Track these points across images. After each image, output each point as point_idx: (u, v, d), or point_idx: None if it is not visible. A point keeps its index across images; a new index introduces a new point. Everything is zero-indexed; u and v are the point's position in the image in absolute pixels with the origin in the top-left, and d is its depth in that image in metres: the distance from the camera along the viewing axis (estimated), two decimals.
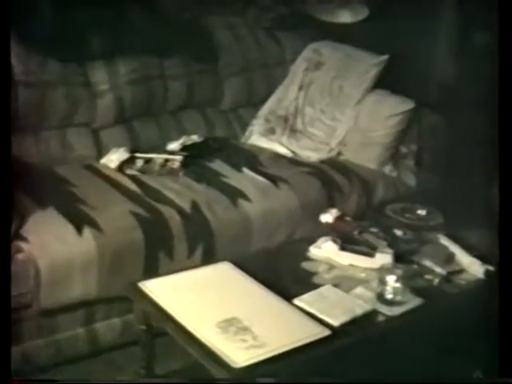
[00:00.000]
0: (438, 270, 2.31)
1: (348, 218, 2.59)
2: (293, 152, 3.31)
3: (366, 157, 3.23)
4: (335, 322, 1.96)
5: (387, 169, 3.24)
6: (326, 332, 1.91)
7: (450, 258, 2.38)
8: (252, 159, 3.15)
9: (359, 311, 2.04)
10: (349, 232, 2.50)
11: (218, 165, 3.05)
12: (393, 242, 2.45)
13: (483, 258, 2.36)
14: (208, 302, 2.05)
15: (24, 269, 2.30)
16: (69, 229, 2.40)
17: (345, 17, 3.58)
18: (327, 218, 2.58)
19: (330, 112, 3.37)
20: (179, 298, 2.07)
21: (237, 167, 3.03)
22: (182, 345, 1.93)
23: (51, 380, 2.34)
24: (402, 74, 3.39)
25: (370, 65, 3.35)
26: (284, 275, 2.32)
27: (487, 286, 2.30)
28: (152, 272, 2.47)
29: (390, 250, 2.33)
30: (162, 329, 2.06)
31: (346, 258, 2.34)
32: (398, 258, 2.32)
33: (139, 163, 2.97)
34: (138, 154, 3.01)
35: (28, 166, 2.80)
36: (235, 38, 3.52)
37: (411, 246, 2.46)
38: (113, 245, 2.43)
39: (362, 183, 3.11)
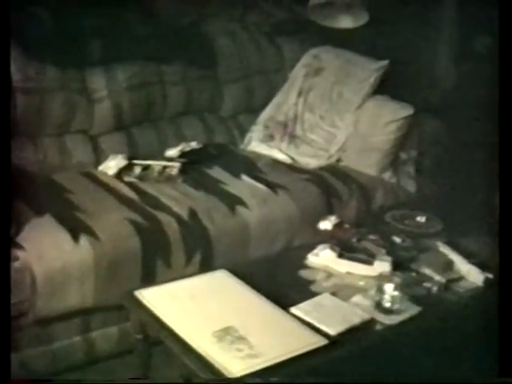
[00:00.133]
0: (437, 277, 2.29)
1: (347, 225, 2.58)
2: (292, 158, 3.29)
3: (366, 163, 3.21)
4: (332, 332, 1.94)
5: (387, 175, 3.22)
6: (323, 341, 1.89)
7: (449, 266, 2.36)
8: (251, 166, 3.14)
9: (357, 320, 2.02)
10: (347, 239, 2.49)
11: (216, 172, 3.04)
12: (392, 250, 2.44)
13: (482, 266, 2.34)
14: (204, 311, 2.03)
15: (20, 277, 2.28)
16: (65, 236, 2.39)
17: (345, 22, 3.56)
18: (326, 225, 2.56)
19: (330, 118, 3.36)
20: (175, 306, 2.05)
21: (235, 174, 3.01)
22: (178, 354, 1.91)
23: (51, 380, 2.33)
24: (402, 80, 3.37)
25: (369, 70, 3.33)
26: (282, 283, 2.30)
27: (486, 294, 2.28)
28: (149, 280, 2.45)
29: (389, 258, 2.32)
30: (158, 338, 2.04)
31: (344, 266, 2.32)
32: (397, 266, 2.31)
33: (137, 170, 2.95)
34: (136, 161, 3.00)
35: (25, 172, 2.78)
36: (235, 44, 3.52)
37: (410, 254, 2.44)
38: (109, 253, 2.41)
39: (361, 190, 3.09)
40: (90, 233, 2.43)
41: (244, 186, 2.92)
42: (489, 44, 3.59)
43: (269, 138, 3.42)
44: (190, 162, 3.05)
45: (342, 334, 1.95)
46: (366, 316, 2.05)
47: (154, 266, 2.51)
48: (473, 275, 2.32)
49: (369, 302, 2.12)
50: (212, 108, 3.47)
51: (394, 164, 3.24)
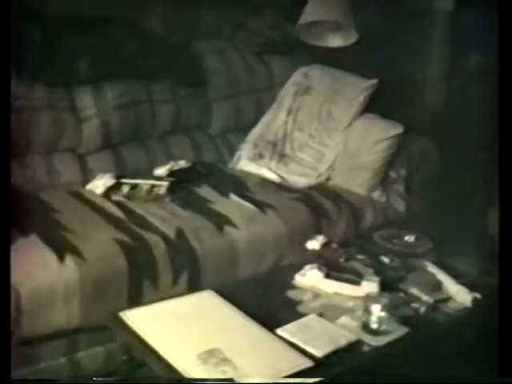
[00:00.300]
0: (425, 298, 2.28)
1: (334, 245, 2.57)
2: (281, 177, 3.28)
3: (355, 182, 3.20)
4: (318, 353, 1.92)
5: (376, 194, 3.22)
6: (309, 363, 1.87)
7: (437, 286, 2.35)
8: (239, 185, 3.13)
9: (343, 341, 2.00)
10: (335, 259, 2.48)
11: (204, 190, 3.02)
12: (380, 270, 2.43)
13: (471, 286, 2.33)
14: (189, 333, 2.01)
15: None
16: (51, 256, 2.37)
17: (334, 41, 3.57)
18: (313, 244, 2.56)
19: (319, 137, 3.35)
20: (160, 328, 2.03)
21: (224, 193, 3.00)
22: (162, 377, 1.89)
23: (51, 380, 2.30)
24: (391, 98, 3.38)
25: (359, 89, 3.34)
26: (269, 304, 2.29)
27: (475, 315, 2.27)
28: (136, 300, 2.43)
29: (376, 278, 2.30)
30: (143, 359, 2.02)
31: (332, 286, 2.30)
32: (385, 286, 2.29)
33: (125, 189, 2.94)
34: (124, 180, 2.98)
35: (13, 191, 2.76)
36: (224, 63, 3.52)
37: (398, 274, 2.43)
38: (95, 273, 2.39)
39: (350, 209, 3.08)
40: (76, 253, 2.41)
41: (232, 205, 2.90)
42: (479, 62, 3.60)
43: (258, 157, 3.41)
44: (179, 180, 3.04)
45: (328, 356, 1.93)
46: (353, 337, 2.03)
47: (141, 286, 2.48)
48: (461, 295, 2.31)
49: (356, 322, 2.10)
50: (201, 126, 3.47)
51: (384, 183, 3.24)
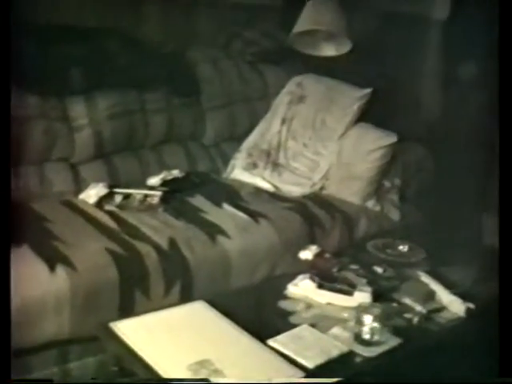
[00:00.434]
0: (418, 308, 2.26)
1: (327, 255, 2.55)
2: (275, 187, 3.28)
3: (349, 191, 3.19)
4: (309, 364, 1.91)
5: (370, 203, 3.20)
6: (299, 374, 1.85)
7: (430, 296, 2.34)
8: (233, 194, 3.12)
9: (335, 352, 1.99)
10: (328, 269, 2.46)
11: (198, 200, 3.01)
12: (373, 280, 2.41)
13: (464, 296, 2.32)
14: (180, 344, 2.00)
15: None
16: (42, 266, 2.35)
17: (328, 50, 3.58)
18: (306, 254, 2.54)
19: (313, 146, 3.35)
20: (151, 339, 2.01)
21: (217, 203, 2.99)
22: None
23: (51, 380, 2.28)
24: (385, 107, 3.38)
25: (353, 98, 3.33)
26: (261, 314, 2.28)
27: (468, 325, 2.25)
28: (127, 311, 2.41)
29: (369, 288, 2.29)
30: (133, 370, 2.00)
31: (324, 297, 2.29)
32: (378, 296, 2.28)
33: (118, 199, 2.93)
34: (116, 190, 2.97)
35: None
36: (218, 72, 3.52)
37: (391, 284, 2.42)
38: (87, 283, 2.37)
39: (344, 218, 3.07)
40: (67, 263, 2.39)
41: (225, 214, 2.89)
42: (473, 71, 3.60)
43: (252, 166, 3.40)
44: (172, 190, 3.02)
45: (319, 367, 1.91)
46: (345, 348, 2.01)
47: (133, 297, 2.46)
48: (454, 306, 2.30)
49: (348, 333, 2.09)
50: (194, 136, 3.47)
51: (378, 192, 3.23)
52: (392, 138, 3.16)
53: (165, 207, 2.90)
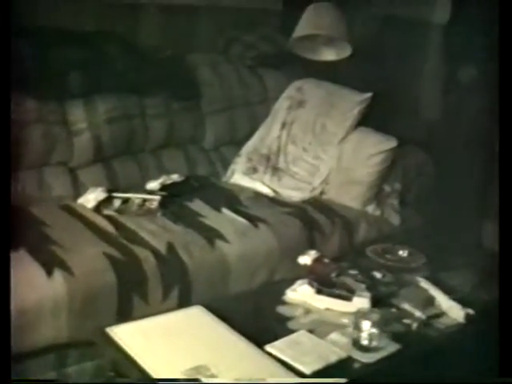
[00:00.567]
0: (418, 313, 2.25)
1: (326, 260, 2.54)
2: (275, 191, 3.26)
3: (349, 196, 3.18)
4: (307, 370, 1.89)
5: (370, 208, 3.19)
6: (297, 380, 1.84)
7: (429, 302, 2.32)
8: (232, 199, 3.11)
9: (333, 358, 1.97)
10: (327, 274, 2.45)
11: (197, 205, 3.00)
12: (372, 285, 2.40)
13: (464, 302, 2.30)
14: (177, 349, 1.98)
15: None
16: (39, 271, 2.34)
17: (328, 55, 3.57)
18: (305, 259, 2.53)
19: (313, 150, 3.34)
20: (147, 344, 2.00)
21: (216, 207, 2.98)
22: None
23: (51, 380, 2.27)
24: (386, 112, 3.37)
25: (353, 102, 3.32)
26: (259, 320, 2.26)
27: (467, 331, 2.24)
28: (125, 315, 2.40)
29: (368, 294, 2.27)
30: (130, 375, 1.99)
31: (323, 302, 2.27)
32: (377, 302, 2.26)
33: (117, 203, 2.92)
34: (115, 194, 2.96)
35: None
36: (217, 76, 3.51)
37: (390, 289, 2.40)
38: (84, 287, 2.36)
39: (344, 223, 3.06)
40: (65, 267, 2.38)
41: (224, 219, 2.88)
42: (474, 75, 3.59)
43: (252, 171, 3.39)
44: (171, 194, 3.02)
45: (317, 373, 1.90)
46: (343, 354, 2.00)
47: (131, 302, 2.46)
48: (454, 311, 2.28)
49: (346, 339, 2.07)
50: (194, 140, 3.46)
51: (378, 197, 3.22)
52: (392, 143, 3.15)
53: (163, 212, 2.89)
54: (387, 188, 3.24)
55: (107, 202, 2.91)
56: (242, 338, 2.04)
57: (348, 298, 2.27)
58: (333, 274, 2.45)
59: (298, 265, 2.55)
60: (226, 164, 3.47)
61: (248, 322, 2.18)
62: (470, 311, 2.27)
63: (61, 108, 3.03)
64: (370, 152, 3.15)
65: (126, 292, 2.44)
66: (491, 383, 1.94)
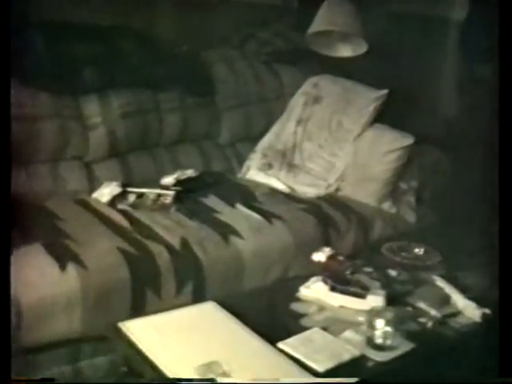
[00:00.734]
0: (433, 312, 2.22)
1: (341, 257, 2.52)
2: (290, 187, 3.25)
3: (365, 193, 3.16)
4: (320, 368, 1.88)
5: (386, 205, 3.17)
6: (310, 378, 1.82)
7: (445, 301, 2.29)
8: (247, 195, 3.09)
9: (347, 356, 1.95)
10: (341, 272, 2.43)
11: (211, 200, 2.99)
12: (386, 283, 2.38)
13: (480, 301, 2.27)
14: (189, 345, 1.97)
15: None
16: (53, 265, 2.34)
17: (344, 51, 3.55)
18: (319, 256, 2.51)
19: (329, 147, 3.31)
20: (160, 339, 1.99)
21: (231, 203, 2.96)
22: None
23: (51, 380, 2.28)
24: (402, 109, 3.34)
25: (369, 99, 3.30)
26: (273, 316, 2.25)
27: (483, 330, 2.21)
28: (139, 310, 2.40)
29: (383, 292, 2.25)
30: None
31: (336, 300, 2.25)
32: (392, 300, 2.24)
33: (131, 198, 2.92)
34: (130, 189, 2.96)
35: (17, 199, 2.75)
36: (233, 72, 3.50)
37: (406, 287, 2.38)
38: (97, 282, 2.36)
39: (359, 220, 3.03)
40: (78, 262, 2.38)
41: (239, 215, 2.87)
42: (491, 72, 3.55)
43: (267, 167, 3.38)
44: (185, 190, 3.01)
45: (330, 371, 1.88)
46: (357, 352, 1.98)
47: (144, 297, 2.45)
48: (470, 310, 2.25)
49: (360, 337, 2.05)
50: (209, 136, 3.45)
51: (394, 194, 3.19)
52: (408, 140, 3.13)
53: (178, 207, 2.88)
54: (403, 185, 3.21)
55: (122, 196, 2.92)
56: (255, 335, 2.02)
57: (362, 296, 2.25)
58: (347, 272, 2.43)
59: (313, 262, 2.53)
60: (241, 160, 3.46)
61: (261, 319, 2.17)
62: (487, 310, 2.24)
63: (76, 103, 3.04)
64: (385, 149, 3.13)
65: (139, 287, 2.44)
66: (491, 383, 1.92)
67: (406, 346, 2.03)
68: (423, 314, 2.23)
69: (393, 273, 2.47)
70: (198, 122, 3.38)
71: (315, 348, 1.97)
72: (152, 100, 3.22)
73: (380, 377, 1.96)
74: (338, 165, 3.26)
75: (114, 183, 2.97)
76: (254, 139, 3.51)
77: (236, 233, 2.72)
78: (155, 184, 3.07)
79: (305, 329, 2.10)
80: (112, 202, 2.88)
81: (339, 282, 2.34)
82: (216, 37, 3.55)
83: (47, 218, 2.71)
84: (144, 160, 3.22)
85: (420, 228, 3.13)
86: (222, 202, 2.98)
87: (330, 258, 2.49)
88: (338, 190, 3.24)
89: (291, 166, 3.37)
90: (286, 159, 3.40)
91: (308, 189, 3.24)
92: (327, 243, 2.78)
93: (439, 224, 3.21)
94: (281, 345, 1.97)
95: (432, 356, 2.09)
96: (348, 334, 2.08)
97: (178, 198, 2.93)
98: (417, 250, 2.67)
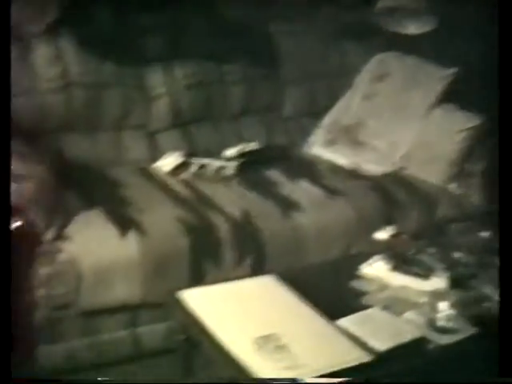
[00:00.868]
0: (497, 297, 2.16)
1: (404, 236, 2.46)
2: (354, 164, 3.19)
3: (431, 172, 3.09)
4: (380, 347, 1.84)
5: (452, 186, 3.09)
6: (368, 357, 1.79)
7: None
8: (310, 170, 3.06)
9: (407, 337, 1.91)
10: (404, 251, 2.37)
11: (274, 174, 2.97)
12: (451, 265, 2.31)
13: None
14: (247, 317, 1.96)
15: (66, 269, 2.27)
16: (113, 231, 2.36)
17: (412, 27, 3.44)
18: (383, 234, 2.46)
19: (394, 125, 3.24)
20: (218, 309, 1.99)
21: (293, 177, 2.93)
22: (217, 358, 1.85)
23: (51, 380, 2.31)
24: (471, 88, 3.24)
25: (437, 78, 3.22)
26: (332, 293, 2.20)
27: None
28: (197, 280, 2.41)
29: (447, 274, 2.19)
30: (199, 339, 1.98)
31: (398, 279, 2.20)
32: (455, 282, 2.18)
33: (193, 168, 2.91)
34: (192, 159, 2.95)
35: (80, 166, 2.79)
36: (298, 46, 3.44)
37: (470, 270, 2.31)
38: (157, 250, 2.38)
39: (424, 200, 2.97)
40: (139, 229, 2.39)
41: (301, 189, 2.84)
42: None
43: (331, 143, 3.33)
44: (248, 162, 2.99)
45: (389, 351, 1.84)
46: (417, 333, 1.93)
47: (203, 267, 2.46)
48: None
49: (422, 318, 2.00)
50: (273, 109, 3.41)
51: (460, 175, 3.11)
52: (477, 120, 3.04)
53: (240, 179, 2.87)
54: (470, 166, 3.13)
55: (184, 166, 2.91)
56: (314, 311, 1.99)
57: (425, 277, 2.19)
58: (410, 252, 2.37)
59: (375, 240, 2.49)
60: (305, 134, 3.41)
61: (321, 295, 2.13)
62: None
63: (140, 72, 3.04)
64: (453, 128, 3.05)
65: (198, 257, 2.44)
66: (491, 383, 1.86)
67: (468, 331, 1.97)
68: (487, 298, 2.17)
69: (457, 255, 2.40)
70: (261, 94, 3.35)
71: (375, 327, 1.93)
72: (216, 71, 3.20)
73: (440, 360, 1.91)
74: (404, 143, 3.19)
75: (177, 153, 2.97)
76: (318, 114, 3.45)
77: (298, 207, 2.69)
78: (217, 155, 3.06)
79: (365, 307, 2.06)
80: (174, 172, 2.88)
81: (402, 262, 2.28)
82: (282, 10, 3.48)
83: (109, 184, 2.73)
84: (207, 131, 3.21)
85: (487, 210, 3.05)
86: (284, 175, 2.95)
87: (393, 236, 2.44)
88: (403, 168, 3.17)
89: (356, 143, 3.31)
90: (351, 136, 3.34)
91: (372, 166, 3.18)
92: (390, 222, 2.71)
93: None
94: (341, 321, 1.94)
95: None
96: (409, 314, 2.03)
97: (240, 171, 2.92)
98: (483, 234, 2.59)
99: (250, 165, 2.99)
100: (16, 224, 2.16)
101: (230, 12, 3.29)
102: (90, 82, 2.89)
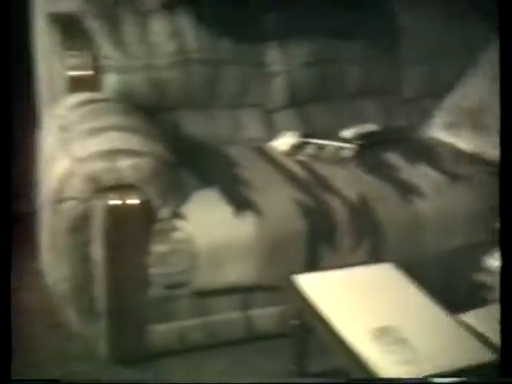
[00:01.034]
0: None
1: None
2: (477, 148, 3.04)
3: None
4: None
5: None
6: (492, 357, 1.68)
7: None
8: (431, 153, 2.93)
9: None
10: None
11: (392, 157, 2.86)
12: None
13: None
14: (364, 305, 1.90)
15: (181, 247, 2.27)
16: (229, 211, 2.34)
17: None
18: None
19: None
20: (333, 296, 1.94)
21: (413, 161, 2.82)
22: (330, 346, 1.80)
23: (51, 380, 2.30)
24: None
25: None
26: (454, 285, 2.10)
27: None
28: (312, 264, 2.36)
29: None
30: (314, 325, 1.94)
31: None
32: None
33: (310, 149, 2.86)
34: (309, 140, 2.90)
35: (195, 143, 2.79)
36: (419, 24, 3.29)
37: None
38: (273, 232, 2.34)
39: None
40: (255, 210, 2.36)
41: (421, 174, 2.72)
42: None
43: (452, 126, 3.18)
44: (366, 144, 2.90)
45: None
46: None
47: (319, 251, 2.40)
48: None
49: None
50: (392, 90, 3.28)
51: None
52: None
53: (357, 162, 2.79)
54: None
55: (300, 147, 2.86)
56: (435, 303, 1.91)
57: None
58: None
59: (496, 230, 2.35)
60: (425, 116, 3.27)
61: (441, 286, 2.04)
62: None
63: (257, 50, 3.00)
64: None
65: (314, 241, 2.39)
66: (491, 383, 1.71)
67: None
68: None
69: None
70: (380, 74, 3.23)
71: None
72: (334, 50, 3.12)
73: None
74: None
75: (294, 133, 2.92)
76: (439, 95, 3.30)
77: (417, 192, 2.59)
78: (334, 136, 2.99)
79: (488, 302, 1.95)
80: (290, 152, 2.83)
81: None
82: None
83: (225, 163, 2.72)
84: (324, 111, 3.13)
85: None
86: (403, 159, 2.85)
87: None
88: None
89: (479, 127, 3.15)
90: (474, 119, 3.18)
91: (497, 152, 3.02)
92: None
93: None
94: (465, 316, 1.84)
95: None
96: None
97: (358, 153, 2.84)
98: None
99: (367, 147, 2.90)
100: (133, 201, 2.18)
101: None
102: (208, 59, 2.87)
